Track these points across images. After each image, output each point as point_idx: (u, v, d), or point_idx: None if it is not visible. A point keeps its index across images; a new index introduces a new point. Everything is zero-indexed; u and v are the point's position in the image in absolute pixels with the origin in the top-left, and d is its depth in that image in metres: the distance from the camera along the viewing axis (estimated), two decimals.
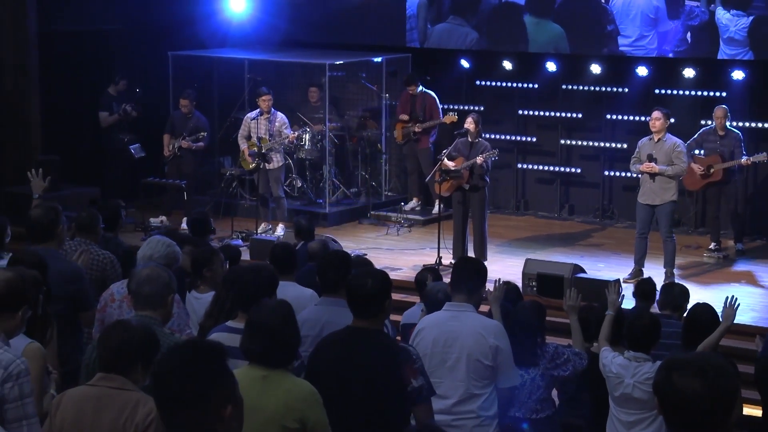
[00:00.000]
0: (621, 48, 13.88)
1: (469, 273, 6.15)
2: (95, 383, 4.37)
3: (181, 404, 3.06)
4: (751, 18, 12.96)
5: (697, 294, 9.33)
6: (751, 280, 12.06)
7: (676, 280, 10.75)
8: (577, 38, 14.27)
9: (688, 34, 13.39)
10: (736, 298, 7.00)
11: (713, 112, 12.55)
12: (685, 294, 7.81)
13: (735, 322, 7.00)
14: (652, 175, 11.56)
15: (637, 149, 11.85)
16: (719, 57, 13.25)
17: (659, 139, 11.60)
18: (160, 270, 5.42)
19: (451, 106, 14.78)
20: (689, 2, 13.22)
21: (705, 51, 13.26)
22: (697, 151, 12.64)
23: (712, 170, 12.47)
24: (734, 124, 12.74)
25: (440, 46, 15.16)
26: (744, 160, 12.33)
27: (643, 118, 12.80)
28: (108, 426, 4.26)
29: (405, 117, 14.59)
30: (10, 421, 4.43)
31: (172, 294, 5.33)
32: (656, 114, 11.63)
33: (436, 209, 13.54)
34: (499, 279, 7.22)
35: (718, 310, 7.01)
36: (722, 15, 13.05)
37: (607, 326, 6.85)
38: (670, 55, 13.64)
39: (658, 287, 8.42)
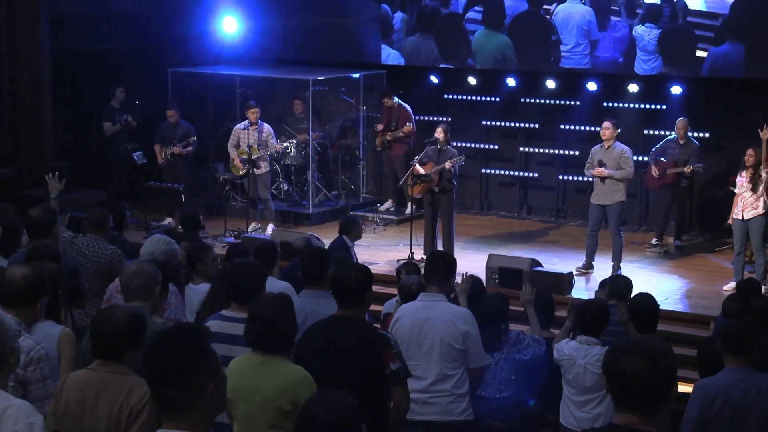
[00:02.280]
0: (561, 54, 14.35)
1: (441, 266, 6.17)
2: (95, 368, 4.33)
3: (168, 381, 3.09)
4: (660, 30, 13.60)
5: (640, 285, 9.36)
6: (686, 272, 12.14)
7: (622, 273, 10.82)
8: (528, 49, 14.54)
9: (613, 44, 14.05)
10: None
11: (676, 123, 12.69)
12: (629, 285, 7.83)
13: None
14: (602, 179, 11.66)
15: (590, 155, 11.94)
16: (635, 62, 13.82)
17: (609, 146, 11.71)
18: (147, 264, 5.39)
19: (422, 117, 14.83)
20: (613, 18, 14.02)
21: (627, 57, 13.92)
22: (663, 158, 12.78)
23: (666, 174, 12.63)
24: (668, 133, 12.88)
25: (412, 57, 15.28)
26: (686, 168, 12.44)
27: (592, 128, 12.89)
28: (106, 408, 4.23)
29: (380, 127, 14.63)
30: (33, 401, 4.42)
31: (158, 285, 5.26)
32: (606, 124, 11.76)
33: (408, 210, 13.57)
34: (466, 273, 7.23)
35: (657, 297, 7.04)
36: (638, 28, 13.81)
37: (563, 332, 6.87)
38: (601, 59, 14.07)
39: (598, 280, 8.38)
